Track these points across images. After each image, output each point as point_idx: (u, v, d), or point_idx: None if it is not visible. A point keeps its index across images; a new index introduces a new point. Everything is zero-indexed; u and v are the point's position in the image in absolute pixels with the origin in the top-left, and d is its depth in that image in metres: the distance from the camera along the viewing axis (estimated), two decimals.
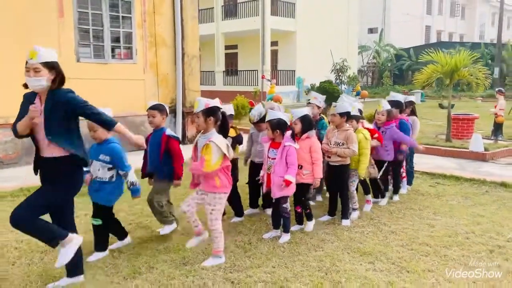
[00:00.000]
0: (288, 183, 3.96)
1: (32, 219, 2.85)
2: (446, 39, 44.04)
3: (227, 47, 26.69)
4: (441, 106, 20.06)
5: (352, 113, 4.69)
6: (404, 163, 5.85)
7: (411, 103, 6.18)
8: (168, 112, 4.21)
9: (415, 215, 4.87)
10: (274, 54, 25.57)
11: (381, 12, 38.57)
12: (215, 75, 26.19)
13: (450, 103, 9.78)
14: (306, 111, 4.46)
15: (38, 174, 3.07)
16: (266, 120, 4.14)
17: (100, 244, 3.76)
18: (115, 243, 3.94)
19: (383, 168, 5.35)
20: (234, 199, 4.62)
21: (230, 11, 26.14)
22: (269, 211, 4.62)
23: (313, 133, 4.37)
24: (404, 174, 5.92)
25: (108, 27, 8.76)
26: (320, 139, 4.81)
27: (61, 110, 2.89)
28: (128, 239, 4.02)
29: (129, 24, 9.15)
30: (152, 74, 9.57)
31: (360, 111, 4.94)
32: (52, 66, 2.90)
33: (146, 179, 4.27)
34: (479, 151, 8.27)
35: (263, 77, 21.50)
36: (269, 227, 4.36)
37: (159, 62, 9.67)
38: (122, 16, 8.98)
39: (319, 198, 5.53)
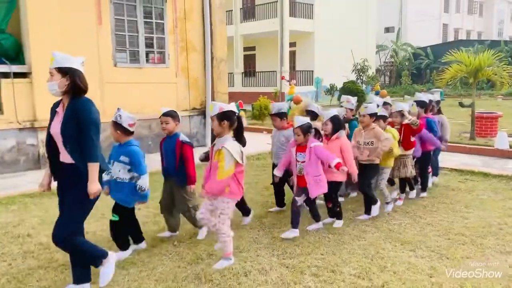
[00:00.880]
0: (339, 165, 4.05)
1: (69, 238, 2.94)
2: (463, 37, 43.68)
3: (245, 49, 27.10)
4: (461, 104, 20.00)
5: (379, 113, 4.96)
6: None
7: (438, 102, 6.42)
8: (180, 119, 4.21)
9: (448, 208, 5.14)
10: (292, 54, 25.86)
11: (397, 11, 38.52)
12: (234, 76, 26.61)
13: (474, 102, 9.95)
14: (335, 111, 4.67)
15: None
16: (296, 126, 4.20)
17: (122, 243, 3.85)
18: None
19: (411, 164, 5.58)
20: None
21: (248, 13, 26.53)
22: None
23: (343, 133, 4.57)
24: (429, 169, 6.14)
25: (143, 33, 9.20)
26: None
27: (75, 118, 2.88)
28: (143, 244, 4.03)
29: (161, 30, 9.58)
30: (184, 77, 9.98)
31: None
32: (65, 72, 2.90)
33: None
34: (504, 149, 8.45)
35: (282, 78, 21.80)
36: (311, 221, 4.64)
37: (190, 66, 10.08)
38: (155, 23, 9.41)
39: (353, 194, 5.81)
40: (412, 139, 5.35)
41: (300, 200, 4.29)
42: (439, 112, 6.42)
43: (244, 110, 14.78)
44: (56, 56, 2.93)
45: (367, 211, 4.90)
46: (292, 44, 25.16)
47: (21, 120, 7.68)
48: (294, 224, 4.28)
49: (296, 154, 4.31)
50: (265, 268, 3.56)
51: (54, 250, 3.86)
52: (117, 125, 3.72)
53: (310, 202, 4.45)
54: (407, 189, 5.67)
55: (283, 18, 23.05)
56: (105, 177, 3.56)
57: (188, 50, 10.01)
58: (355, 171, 4.52)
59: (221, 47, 10.61)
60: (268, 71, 25.14)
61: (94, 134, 2.91)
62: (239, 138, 3.55)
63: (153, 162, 5.12)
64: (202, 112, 10.26)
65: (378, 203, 4.92)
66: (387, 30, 38.89)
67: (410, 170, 5.35)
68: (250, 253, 3.88)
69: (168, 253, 3.92)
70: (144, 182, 3.68)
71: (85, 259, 3.12)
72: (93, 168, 2.91)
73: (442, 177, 6.47)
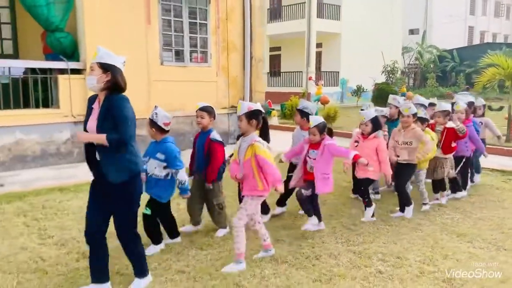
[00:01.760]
0: (357, 156, 4.22)
1: (128, 241, 3.06)
2: (490, 40, 43.07)
3: (271, 49, 27.38)
4: (490, 108, 19.95)
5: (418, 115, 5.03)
6: None
7: (484, 106, 6.58)
8: (216, 115, 4.27)
9: (497, 205, 5.34)
10: (318, 55, 26.04)
11: (422, 13, 38.27)
12: None
13: (511, 105, 10.03)
14: (374, 113, 4.82)
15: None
16: (313, 126, 4.26)
17: (154, 236, 3.90)
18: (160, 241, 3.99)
19: (461, 164, 5.74)
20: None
21: (275, 14, 26.81)
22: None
23: (380, 133, 4.74)
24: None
25: (188, 33, 9.57)
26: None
27: (111, 115, 2.84)
28: (178, 239, 4.10)
29: (204, 30, 9.94)
30: (224, 76, 10.32)
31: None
32: (106, 68, 2.85)
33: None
34: None
35: (310, 78, 22.02)
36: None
37: (230, 65, 10.41)
38: (199, 23, 9.78)
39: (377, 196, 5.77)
40: (453, 144, 5.33)
41: (306, 193, 4.34)
42: (483, 115, 6.58)
43: (273, 109, 15.08)
44: (99, 51, 2.90)
45: (402, 209, 4.97)
46: (318, 45, 25.34)
47: (75, 114, 8.12)
48: (309, 212, 4.42)
49: (308, 151, 4.36)
50: (333, 253, 3.84)
51: None
52: (153, 123, 3.78)
53: (313, 198, 4.43)
54: (444, 192, 5.55)
55: (311, 19, 23.28)
56: (143, 176, 3.45)
57: (228, 50, 10.34)
58: (389, 172, 4.65)
59: (259, 47, 10.94)
60: (293, 71, 25.38)
61: (129, 130, 2.85)
62: (265, 136, 3.70)
63: None
64: None
65: (412, 205, 4.96)
66: (412, 32, 38.66)
67: (447, 171, 5.35)
68: (316, 239, 4.16)
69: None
70: (182, 175, 3.79)
71: (136, 266, 3.20)
72: (101, 139, 2.81)
73: (485, 177, 6.64)
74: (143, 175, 3.38)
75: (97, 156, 2.93)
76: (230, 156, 4.05)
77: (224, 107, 10.33)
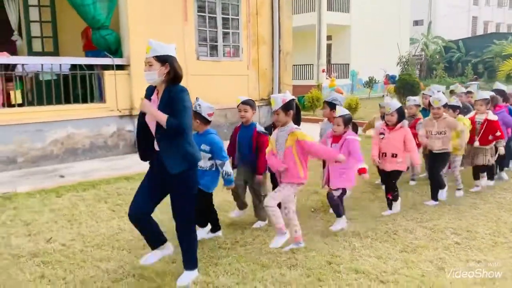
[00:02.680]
0: (362, 170, 4.05)
1: (184, 232, 3.08)
2: (493, 30, 43.36)
3: None
4: None
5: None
6: None
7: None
8: (256, 108, 4.27)
9: None
10: (328, 48, 26.30)
11: (426, 4, 38.51)
12: None
13: None
14: (399, 103, 4.85)
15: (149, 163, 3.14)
16: (338, 116, 4.21)
17: (199, 221, 3.94)
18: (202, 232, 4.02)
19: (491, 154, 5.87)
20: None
21: None
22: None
23: (405, 123, 4.69)
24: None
25: (221, 28, 9.89)
26: None
27: (171, 107, 2.86)
28: (219, 233, 4.12)
29: (236, 25, 10.25)
30: (254, 70, 10.66)
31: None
32: (164, 60, 2.88)
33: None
34: None
35: (323, 71, 22.32)
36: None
37: (260, 59, 10.74)
38: (231, 18, 10.09)
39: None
40: (490, 137, 5.35)
41: (336, 193, 4.26)
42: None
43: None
44: (152, 44, 2.90)
45: (434, 197, 5.03)
46: (328, 38, 25.59)
47: (121, 108, 8.46)
48: (338, 214, 4.30)
49: (331, 145, 4.28)
50: (408, 228, 4.21)
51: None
52: (196, 114, 3.75)
53: (331, 196, 4.29)
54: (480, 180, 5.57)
55: (321, 12, 23.53)
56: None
57: (258, 43, 10.66)
58: (418, 162, 4.72)
59: (287, 40, 11.25)
60: (303, 64, 25.65)
61: (188, 119, 2.90)
62: (297, 122, 3.75)
63: None
64: (270, 103, 10.90)
65: (446, 187, 5.08)
66: (416, 23, 38.91)
67: (488, 159, 5.38)
68: (386, 217, 4.52)
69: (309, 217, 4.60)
70: (228, 167, 3.85)
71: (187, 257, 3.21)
72: (162, 118, 2.83)
73: None
74: None
75: (156, 147, 2.99)
76: None
77: (255, 99, 10.56)
